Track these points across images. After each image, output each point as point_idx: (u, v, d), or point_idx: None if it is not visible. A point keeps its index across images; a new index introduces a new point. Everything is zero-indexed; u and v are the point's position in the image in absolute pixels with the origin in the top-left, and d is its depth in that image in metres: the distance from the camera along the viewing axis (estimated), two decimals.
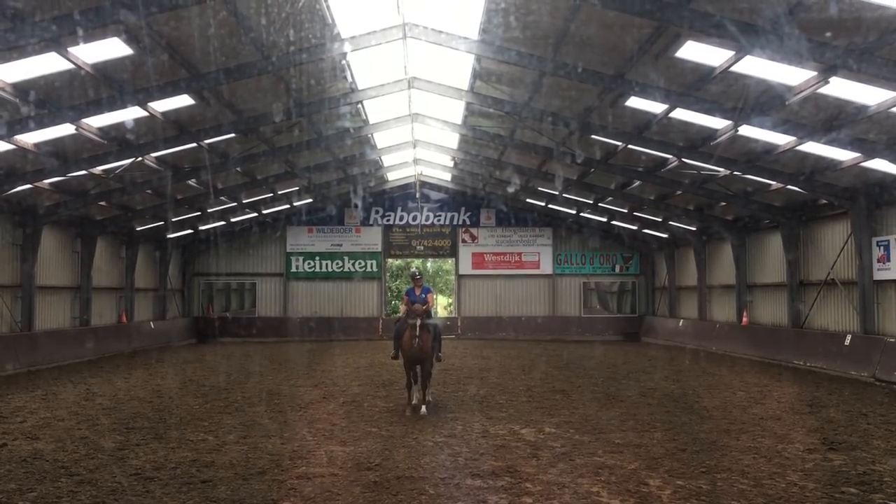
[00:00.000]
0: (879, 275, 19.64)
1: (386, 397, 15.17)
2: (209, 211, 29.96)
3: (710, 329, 28.74)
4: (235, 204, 29.65)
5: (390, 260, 39.23)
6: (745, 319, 26.65)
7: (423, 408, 13.12)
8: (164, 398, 15.38)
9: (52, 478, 8.62)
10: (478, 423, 12.11)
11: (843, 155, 17.79)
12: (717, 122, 17.50)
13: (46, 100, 15.32)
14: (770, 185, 21.51)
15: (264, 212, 33.05)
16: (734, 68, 13.98)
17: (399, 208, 36.94)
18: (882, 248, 19.57)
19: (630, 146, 20.50)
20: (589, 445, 10.39)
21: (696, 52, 13.90)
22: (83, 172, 20.40)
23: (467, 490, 8.08)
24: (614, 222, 33.04)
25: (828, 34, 12.01)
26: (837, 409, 13.73)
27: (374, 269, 36.69)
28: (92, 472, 8.90)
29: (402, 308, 14.19)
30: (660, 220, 30.76)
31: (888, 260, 19.33)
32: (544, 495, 7.85)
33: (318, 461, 9.42)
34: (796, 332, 23.14)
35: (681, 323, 31.81)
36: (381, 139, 25.54)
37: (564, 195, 29.98)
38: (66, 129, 16.93)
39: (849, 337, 19.76)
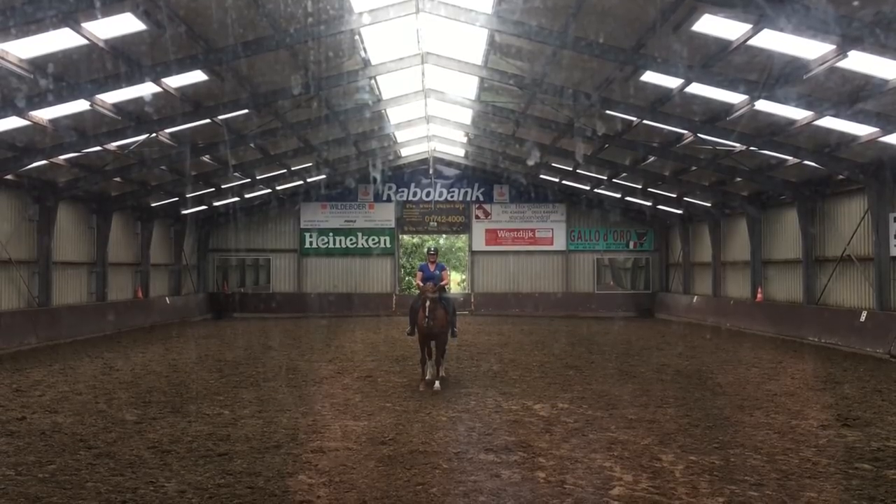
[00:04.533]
0: None
1: (400, 373, 15.25)
2: (224, 187, 30.04)
3: (725, 305, 28.65)
4: (250, 180, 29.74)
5: (404, 236, 39.26)
6: (759, 296, 26.54)
7: (437, 383, 13.18)
8: (180, 373, 15.53)
9: (71, 450, 8.74)
10: (491, 399, 12.16)
11: (861, 130, 17.59)
12: (733, 97, 17.33)
13: (61, 76, 15.35)
14: (786, 160, 21.32)
15: (278, 188, 33.11)
16: (751, 42, 13.82)
17: (412, 184, 36.90)
18: None
19: (646, 121, 20.34)
20: (602, 421, 10.42)
21: (713, 25, 13.75)
22: (98, 148, 20.48)
23: (481, 464, 8.13)
24: (629, 198, 32.87)
25: (855, 3, 11.79)
26: (852, 385, 13.69)
27: (388, 245, 36.74)
28: (110, 444, 9.01)
29: (417, 283, 14.22)
30: (674, 195, 30.57)
31: None
32: (557, 470, 7.89)
33: (333, 435, 9.50)
34: (811, 309, 23.03)
35: (695, 299, 31.74)
36: (394, 115, 25.48)
37: (578, 171, 29.84)
38: (81, 105, 16.95)
39: (864, 313, 19.65)
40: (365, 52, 18.31)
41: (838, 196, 22.63)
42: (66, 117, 17.79)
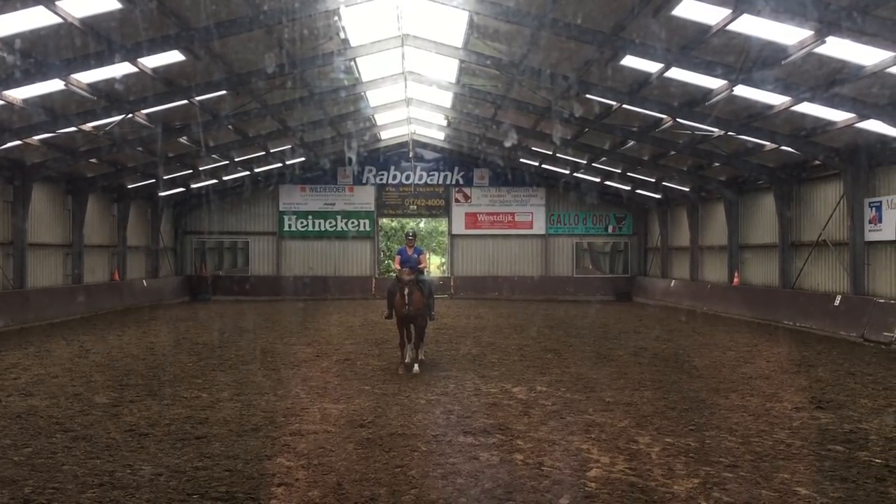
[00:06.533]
0: (870, 236, 19.71)
1: (379, 356, 15.25)
2: (201, 169, 29.76)
3: (702, 289, 28.89)
4: (227, 162, 29.49)
5: (384, 220, 39.17)
6: (736, 280, 26.78)
7: (416, 366, 13.19)
8: (157, 355, 15.43)
9: (47, 434, 8.67)
10: (470, 382, 12.20)
11: (838, 116, 17.75)
12: (712, 82, 17.40)
13: (34, 55, 15.10)
14: (764, 145, 21.46)
15: (257, 170, 32.86)
16: (730, 27, 13.87)
17: (392, 167, 36.78)
18: (874, 209, 19.60)
19: (625, 106, 20.37)
20: (580, 404, 10.49)
21: (693, 9, 13.77)
22: (74, 129, 20.21)
23: (459, 447, 8.16)
24: (608, 182, 32.97)
25: None
26: (826, 368, 13.87)
27: (368, 229, 36.66)
28: (86, 428, 8.95)
29: (396, 266, 14.21)
30: (653, 180, 30.72)
31: (879, 221, 19.38)
32: (535, 452, 7.94)
33: (312, 418, 9.49)
34: (787, 293, 23.28)
35: (672, 283, 31.97)
36: (374, 97, 25.35)
37: (558, 155, 29.87)
38: (55, 85, 16.72)
39: (839, 297, 19.89)
40: (344, 32, 18.16)
41: (814, 181, 22.84)
42: (40, 97, 17.54)
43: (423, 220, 42.55)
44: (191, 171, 29.67)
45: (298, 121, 25.93)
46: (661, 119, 21.25)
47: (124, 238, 29.64)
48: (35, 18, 13.41)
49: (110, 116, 19.72)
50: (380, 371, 13.31)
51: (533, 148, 30.37)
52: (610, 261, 37.53)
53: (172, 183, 30.95)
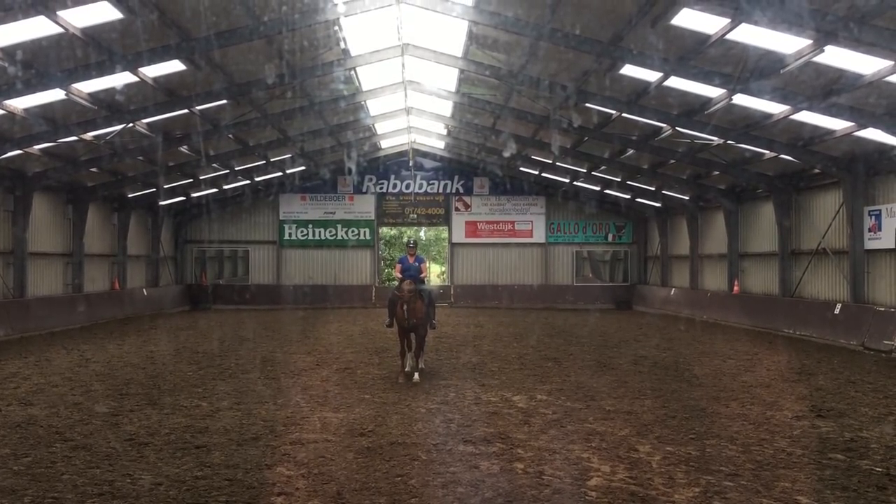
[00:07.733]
0: (870, 244, 19.72)
1: (379, 364, 15.23)
2: (201, 178, 29.82)
3: (702, 298, 28.88)
4: (228, 171, 29.53)
5: (384, 228, 39.18)
6: (736, 288, 26.79)
7: (416, 375, 13.17)
8: (157, 364, 15.41)
9: (47, 443, 8.66)
10: (470, 391, 12.18)
11: (837, 124, 17.80)
12: (711, 91, 17.46)
13: (35, 65, 15.14)
14: (763, 154, 21.52)
15: (257, 179, 32.89)
16: (729, 36, 13.92)
17: (392, 176, 36.83)
18: (873, 217, 19.63)
19: (624, 115, 20.43)
20: (580, 412, 10.47)
21: (691, 19, 13.83)
22: (74, 138, 20.26)
23: (460, 456, 8.15)
24: (608, 191, 33.01)
25: None
26: (826, 376, 13.86)
27: (368, 237, 36.68)
28: (86, 437, 8.94)
29: (396, 274, 14.23)
30: (653, 188, 30.76)
31: (879, 229, 19.40)
32: (536, 461, 7.93)
33: (312, 427, 9.48)
34: (786, 301, 23.28)
35: (672, 292, 31.96)
36: (374, 106, 25.39)
37: (558, 164, 29.92)
38: (56, 95, 16.77)
39: (838, 306, 19.89)
40: (344, 42, 18.22)
41: (813, 189, 22.87)
42: (41, 107, 17.58)
43: (424, 228, 42.57)
44: (191, 180, 29.72)
45: (298, 130, 26.00)
46: (661, 128, 21.30)
47: (124, 247, 29.66)
48: (36, 29, 13.46)
49: (111, 126, 19.76)
50: (380, 380, 13.30)
51: (532, 157, 30.42)
52: (610, 269, 37.55)
53: (173, 192, 30.98)
